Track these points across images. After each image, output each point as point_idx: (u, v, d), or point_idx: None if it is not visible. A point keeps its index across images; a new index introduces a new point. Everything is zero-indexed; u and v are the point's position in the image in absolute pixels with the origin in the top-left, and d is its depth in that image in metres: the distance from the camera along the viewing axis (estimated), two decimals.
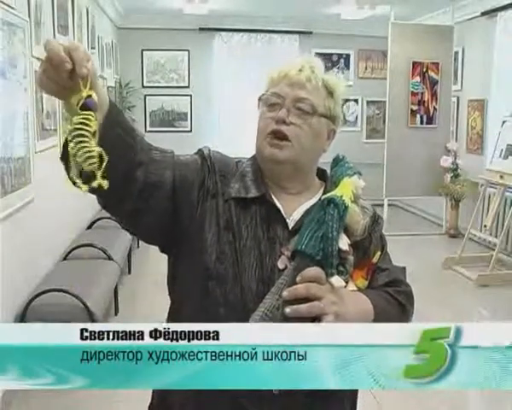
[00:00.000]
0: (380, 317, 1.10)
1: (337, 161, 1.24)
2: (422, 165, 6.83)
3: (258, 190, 1.18)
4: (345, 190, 1.13)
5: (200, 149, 1.23)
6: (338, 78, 1.24)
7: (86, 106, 0.92)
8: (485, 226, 5.76)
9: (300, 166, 1.20)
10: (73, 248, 4.16)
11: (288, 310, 1.02)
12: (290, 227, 1.16)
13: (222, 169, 1.19)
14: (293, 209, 1.18)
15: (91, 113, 0.92)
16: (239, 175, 1.20)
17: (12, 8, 3.12)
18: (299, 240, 1.08)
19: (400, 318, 1.18)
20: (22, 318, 3.12)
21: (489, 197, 5.97)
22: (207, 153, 1.21)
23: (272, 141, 1.17)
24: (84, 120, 0.91)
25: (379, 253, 1.19)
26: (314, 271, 1.05)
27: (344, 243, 1.09)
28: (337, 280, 1.06)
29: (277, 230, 1.15)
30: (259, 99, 1.23)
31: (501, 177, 5.39)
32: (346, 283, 1.09)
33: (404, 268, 1.28)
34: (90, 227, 5.03)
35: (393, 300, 1.17)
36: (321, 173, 1.28)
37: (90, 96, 0.92)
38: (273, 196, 1.19)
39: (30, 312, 3.15)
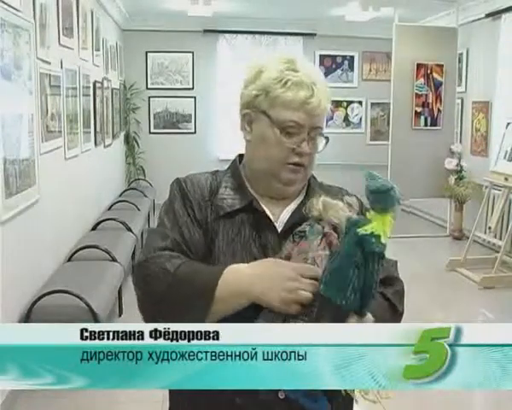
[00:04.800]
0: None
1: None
2: (427, 167, 6.80)
3: (244, 200, 1.19)
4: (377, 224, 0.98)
5: (177, 188, 1.22)
6: (320, 74, 1.21)
7: None
8: (489, 228, 5.74)
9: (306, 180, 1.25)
10: (78, 250, 4.17)
11: None
12: (279, 231, 1.17)
13: (201, 194, 1.20)
14: (279, 213, 1.20)
15: None
16: (222, 188, 1.21)
17: (17, 10, 3.14)
18: (338, 292, 0.98)
19: (391, 320, 1.15)
20: (26, 319, 3.12)
21: (493, 199, 5.94)
22: (182, 193, 1.20)
23: (293, 168, 1.18)
24: None
25: None
26: None
27: None
28: (370, 318, 1.02)
29: (268, 236, 1.16)
30: (262, 112, 1.18)
31: (505, 179, 5.36)
32: None
33: (395, 262, 1.27)
34: (94, 228, 5.04)
35: (389, 304, 1.17)
36: None
37: None
38: (260, 203, 1.20)
39: (34, 313, 3.16)
